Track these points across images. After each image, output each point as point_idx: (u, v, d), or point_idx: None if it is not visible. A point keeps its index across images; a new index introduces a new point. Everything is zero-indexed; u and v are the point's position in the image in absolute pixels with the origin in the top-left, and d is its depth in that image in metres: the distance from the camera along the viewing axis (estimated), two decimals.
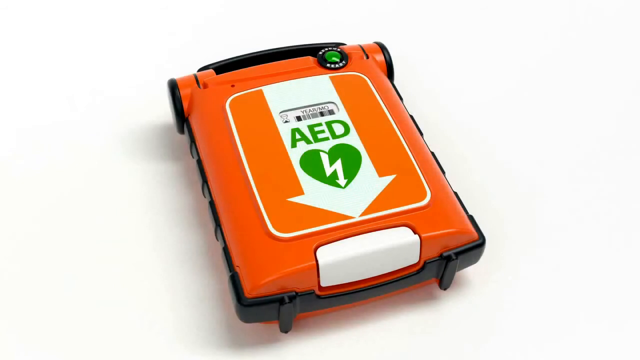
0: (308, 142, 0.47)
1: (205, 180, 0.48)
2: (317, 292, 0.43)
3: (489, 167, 0.53)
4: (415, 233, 0.43)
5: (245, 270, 0.42)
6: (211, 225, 0.47)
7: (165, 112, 0.56)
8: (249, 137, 0.48)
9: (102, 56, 0.63)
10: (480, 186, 0.52)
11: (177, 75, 0.53)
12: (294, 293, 0.42)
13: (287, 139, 0.47)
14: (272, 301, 0.42)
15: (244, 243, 0.43)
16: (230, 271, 0.43)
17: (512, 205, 0.51)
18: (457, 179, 0.50)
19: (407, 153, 0.47)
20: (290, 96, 0.50)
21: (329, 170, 0.46)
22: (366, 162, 0.46)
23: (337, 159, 0.46)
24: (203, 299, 0.46)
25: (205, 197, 0.48)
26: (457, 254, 0.44)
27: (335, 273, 0.42)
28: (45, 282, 0.47)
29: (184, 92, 0.52)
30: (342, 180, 0.45)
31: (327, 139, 0.48)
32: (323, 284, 0.43)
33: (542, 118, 0.57)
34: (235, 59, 0.54)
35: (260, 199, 0.44)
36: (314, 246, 0.42)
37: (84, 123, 0.57)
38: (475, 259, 0.46)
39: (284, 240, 0.43)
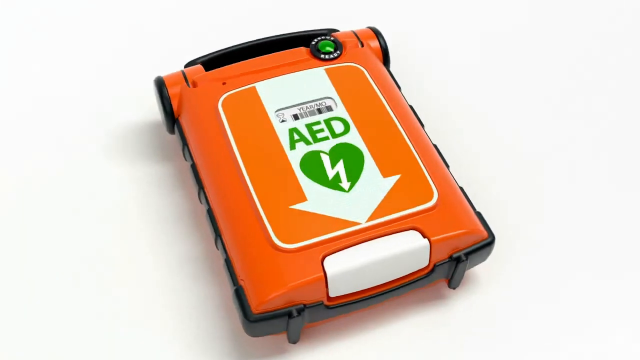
0: (307, 142, 0.45)
1: (201, 187, 0.46)
2: (326, 303, 0.41)
3: (493, 155, 0.52)
4: (424, 237, 0.42)
5: (251, 284, 0.41)
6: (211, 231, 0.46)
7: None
8: (245, 140, 0.45)
9: (97, 55, 0.60)
10: (485, 177, 0.50)
11: (164, 72, 0.50)
12: (302, 306, 0.41)
13: (285, 141, 0.45)
14: (280, 315, 0.40)
15: (247, 256, 0.42)
16: (235, 285, 0.42)
17: (519, 198, 0.50)
18: (460, 170, 0.48)
19: (410, 150, 0.45)
20: (285, 93, 0.48)
21: (331, 173, 0.44)
22: (369, 162, 0.44)
23: (339, 160, 0.44)
24: (209, 309, 0.45)
25: (202, 204, 0.46)
26: (467, 254, 0.43)
27: (344, 283, 0.41)
28: (44, 286, 0.46)
29: (172, 91, 0.49)
30: (345, 184, 0.43)
31: (326, 138, 0.46)
32: (332, 294, 0.41)
33: (548, 111, 0.55)
34: (223, 51, 0.52)
35: (262, 207, 0.42)
36: (320, 256, 0.41)
37: (76, 123, 0.54)
38: (484, 257, 0.44)
39: (289, 251, 0.41)
